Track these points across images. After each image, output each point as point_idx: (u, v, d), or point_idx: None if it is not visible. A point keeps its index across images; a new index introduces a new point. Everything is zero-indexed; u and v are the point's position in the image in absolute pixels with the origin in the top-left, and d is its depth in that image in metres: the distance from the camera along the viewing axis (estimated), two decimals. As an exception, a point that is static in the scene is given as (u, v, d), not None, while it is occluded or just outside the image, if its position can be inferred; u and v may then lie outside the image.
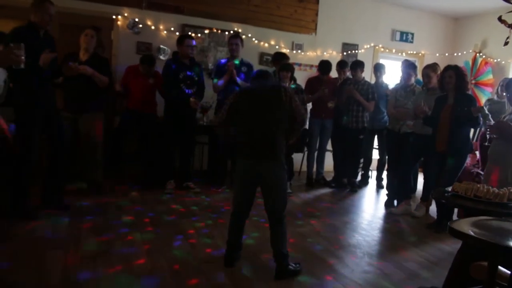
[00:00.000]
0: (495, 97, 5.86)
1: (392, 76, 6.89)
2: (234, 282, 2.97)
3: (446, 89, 4.43)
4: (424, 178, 5.02)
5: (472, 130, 4.76)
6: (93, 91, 4.48)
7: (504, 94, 4.98)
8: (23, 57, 2.63)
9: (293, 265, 3.15)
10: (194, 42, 5.17)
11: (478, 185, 2.78)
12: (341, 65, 6.21)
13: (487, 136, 3.76)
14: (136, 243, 3.52)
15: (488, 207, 2.60)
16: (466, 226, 2.04)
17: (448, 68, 4.45)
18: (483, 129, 4.85)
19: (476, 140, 5.54)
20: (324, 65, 6.13)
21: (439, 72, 4.84)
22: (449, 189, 2.93)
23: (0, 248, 3.20)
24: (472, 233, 1.91)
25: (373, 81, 6.40)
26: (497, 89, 5.81)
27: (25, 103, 3.77)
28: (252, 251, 3.51)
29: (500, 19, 3.92)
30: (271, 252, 3.13)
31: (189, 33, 5.99)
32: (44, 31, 3.87)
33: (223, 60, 5.51)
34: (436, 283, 3.10)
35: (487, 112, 4.21)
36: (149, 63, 5.35)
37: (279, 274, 3.06)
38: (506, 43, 3.93)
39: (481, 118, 4.25)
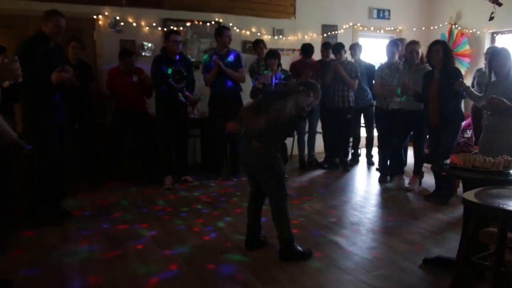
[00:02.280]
0: (483, 68, 6.02)
1: (373, 55, 7.00)
2: (247, 266, 3.08)
3: (433, 63, 4.55)
4: (415, 152, 5.17)
5: (463, 101, 4.88)
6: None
7: (485, 63, 5.11)
8: (19, 71, 2.63)
9: (300, 248, 3.25)
10: (179, 37, 5.18)
11: (475, 156, 2.91)
12: (325, 46, 6.30)
13: (483, 114, 3.87)
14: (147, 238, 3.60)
15: (487, 175, 2.74)
16: (472, 196, 2.17)
17: (436, 43, 4.56)
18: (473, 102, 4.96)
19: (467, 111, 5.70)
20: (307, 48, 6.20)
21: (422, 48, 4.97)
22: (448, 161, 3.07)
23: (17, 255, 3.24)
24: (481, 202, 2.05)
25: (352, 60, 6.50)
26: (485, 60, 5.94)
27: (36, 116, 3.82)
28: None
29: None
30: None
31: (171, 27, 6.00)
32: (53, 42, 3.92)
33: (214, 57, 5.49)
34: (439, 252, 3.26)
35: (467, 85, 4.33)
36: (128, 54, 5.36)
37: (282, 254, 3.20)
38: (491, 18, 4.05)
39: (464, 91, 4.36)
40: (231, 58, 5.49)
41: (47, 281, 2.90)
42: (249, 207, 3.41)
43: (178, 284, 2.85)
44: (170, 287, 2.82)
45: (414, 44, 4.96)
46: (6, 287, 2.79)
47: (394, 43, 5.43)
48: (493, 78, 3.93)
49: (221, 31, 5.45)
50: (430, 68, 4.70)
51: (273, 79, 5.37)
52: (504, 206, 2.02)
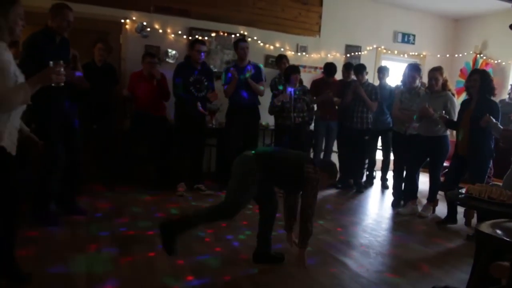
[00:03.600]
0: (507, 99, 5.96)
1: (396, 78, 6.98)
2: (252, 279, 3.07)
3: (470, 93, 4.52)
4: (430, 179, 5.12)
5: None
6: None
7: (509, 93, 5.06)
8: (63, 75, 2.62)
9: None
10: (204, 47, 5.25)
11: (492, 188, 2.87)
12: (347, 66, 6.33)
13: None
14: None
15: (502, 208, 2.70)
16: (487, 228, 2.14)
17: (474, 72, 4.53)
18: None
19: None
20: (330, 68, 6.22)
21: (445, 75, 4.94)
22: (463, 191, 3.03)
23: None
24: (496, 235, 2.01)
25: (376, 83, 6.50)
26: (509, 91, 5.89)
27: (43, 113, 3.78)
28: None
29: (511, 27, 4.00)
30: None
31: (196, 36, 6.08)
32: (60, 37, 3.84)
33: (231, 69, 5.54)
34: (448, 281, 3.20)
35: (494, 121, 4.27)
36: (150, 55, 5.43)
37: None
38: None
39: (491, 128, 4.30)
40: (250, 70, 5.53)
41: (54, 280, 2.91)
42: (259, 220, 3.39)
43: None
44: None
45: (435, 70, 4.94)
46: (24, 280, 2.79)
47: (415, 68, 5.38)
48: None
49: (237, 43, 5.54)
50: (452, 95, 4.69)
51: (292, 94, 5.40)
52: None
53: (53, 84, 2.48)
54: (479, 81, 4.41)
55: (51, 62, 2.45)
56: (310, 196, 3.03)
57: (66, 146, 3.97)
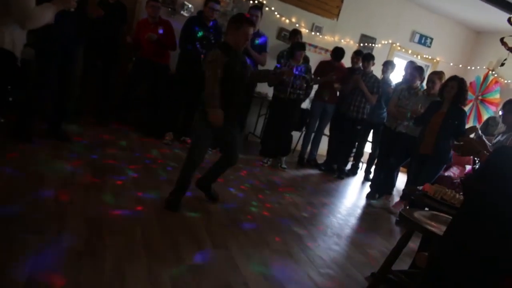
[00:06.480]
0: (497, 117, 5.98)
1: (399, 75, 7.01)
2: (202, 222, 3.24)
3: (445, 98, 4.58)
4: (407, 178, 5.22)
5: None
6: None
7: (500, 113, 5.11)
8: (74, 1, 2.96)
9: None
10: (217, 6, 5.31)
11: (447, 190, 2.99)
12: (357, 53, 6.35)
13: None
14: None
15: (451, 210, 2.82)
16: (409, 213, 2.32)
17: (453, 78, 4.58)
18: None
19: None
20: (338, 52, 6.27)
21: (443, 80, 4.99)
22: (421, 188, 3.15)
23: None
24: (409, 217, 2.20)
25: (381, 76, 6.54)
26: (500, 111, 5.91)
27: (45, 37, 3.92)
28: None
29: (501, 40, 4.02)
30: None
31: (216, -5, 6.12)
32: None
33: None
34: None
35: (480, 133, 4.34)
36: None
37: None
38: (502, 64, 4.06)
39: (477, 138, 4.36)
40: (259, 40, 5.60)
41: (24, 183, 3.15)
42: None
43: (137, 223, 3.02)
44: (129, 224, 2.99)
45: (434, 74, 5.00)
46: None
47: (417, 67, 5.43)
48: (502, 127, 3.97)
49: (249, 10, 5.60)
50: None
51: (295, 70, 5.47)
52: (426, 226, 2.18)
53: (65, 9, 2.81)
54: (456, 88, 4.48)
55: None
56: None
57: (62, 70, 4.11)
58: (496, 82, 7.62)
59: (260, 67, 5.71)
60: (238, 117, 3.84)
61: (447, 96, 4.53)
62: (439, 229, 2.23)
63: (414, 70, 5.35)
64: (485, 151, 2.12)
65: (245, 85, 3.65)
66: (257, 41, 5.59)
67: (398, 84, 5.77)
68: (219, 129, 3.43)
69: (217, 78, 3.35)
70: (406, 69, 5.51)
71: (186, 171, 3.49)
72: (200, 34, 5.26)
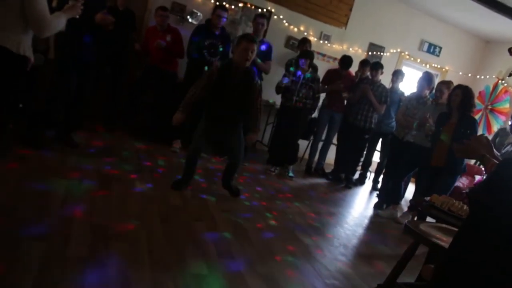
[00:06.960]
0: (508, 128, 5.93)
1: (410, 85, 6.99)
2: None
3: (451, 107, 4.55)
4: (416, 188, 5.18)
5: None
6: None
7: (510, 123, 5.08)
8: (80, 9, 3.18)
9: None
10: (224, 13, 5.34)
11: (454, 201, 2.96)
12: (364, 63, 6.34)
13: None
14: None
15: (458, 222, 2.79)
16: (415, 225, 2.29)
17: (458, 87, 4.56)
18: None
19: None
20: (345, 60, 6.27)
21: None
22: (428, 198, 3.12)
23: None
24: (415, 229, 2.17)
25: (390, 85, 6.53)
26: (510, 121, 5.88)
27: (67, 52, 4.03)
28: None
29: (510, 50, 3.99)
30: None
31: (224, 2, 6.16)
32: None
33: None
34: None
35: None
36: (162, 8, 5.48)
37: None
38: (510, 75, 4.03)
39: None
40: (262, 47, 5.61)
41: (30, 198, 3.11)
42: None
43: (143, 231, 3.02)
44: (134, 232, 2.99)
45: (442, 83, 4.99)
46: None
47: (426, 77, 5.38)
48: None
49: (255, 17, 5.65)
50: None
51: (301, 78, 5.47)
52: (432, 239, 2.15)
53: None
54: (461, 95, 4.44)
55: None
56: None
57: (77, 79, 4.17)
58: (506, 91, 7.56)
59: (264, 75, 5.74)
60: (228, 126, 4.04)
61: (454, 105, 4.50)
62: (444, 241, 2.20)
63: (423, 80, 5.31)
64: (489, 156, 2.08)
65: (237, 101, 3.91)
66: (261, 48, 5.60)
67: (411, 94, 5.72)
68: (210, 135, 4.08)
69: (197, 90, 3.86)
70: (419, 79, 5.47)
71: (186, 159, 4.13)
72: (200, 44, 5.28)
